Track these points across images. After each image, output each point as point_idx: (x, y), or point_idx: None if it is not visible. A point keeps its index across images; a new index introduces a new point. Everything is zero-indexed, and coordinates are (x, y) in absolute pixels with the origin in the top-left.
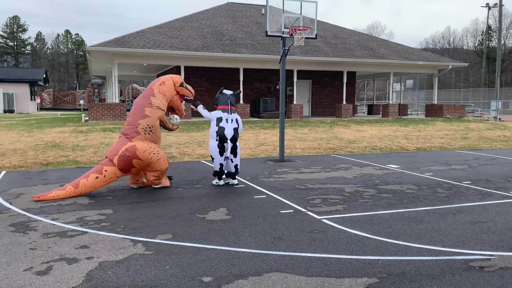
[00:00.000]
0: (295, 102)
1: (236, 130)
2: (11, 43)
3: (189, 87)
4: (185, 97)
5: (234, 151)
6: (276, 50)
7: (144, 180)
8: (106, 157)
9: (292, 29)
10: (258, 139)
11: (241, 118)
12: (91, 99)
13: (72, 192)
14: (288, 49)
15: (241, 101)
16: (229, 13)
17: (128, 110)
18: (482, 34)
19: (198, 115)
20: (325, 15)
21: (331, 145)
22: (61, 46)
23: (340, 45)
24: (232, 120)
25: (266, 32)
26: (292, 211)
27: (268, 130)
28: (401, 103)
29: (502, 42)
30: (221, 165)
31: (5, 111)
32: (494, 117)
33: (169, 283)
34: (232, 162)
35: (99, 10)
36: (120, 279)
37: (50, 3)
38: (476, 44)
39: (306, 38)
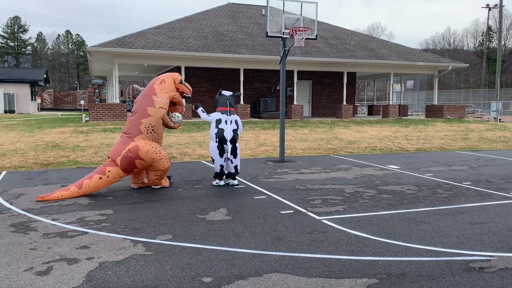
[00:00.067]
0: (295, 102)
1: (235, 131)
2: (11, 44)
3: (187, 84)
4: (184, 94)
5: (234, 152)
6: (276, 50)
7: (145, 181)
8: (108, 158)
9: (292, 29)
10: (258, 140)
11: (242, 119)
12: (92, 99)
13: (75, 192)
14: (288, 50)
15: (242, 102)
16: (229, 13)
17: (129, 111)
18: (482, 35)
19: (199, 115)
20: (325, 16)
21: (331, 145)
22: (62, 47)
23: (341, 46)
24: (231, 121)
25: (267, 32)
26: (292, 211)
27: (268, 130)
28: (401, 103)
29: (503, 43)
30: (222, 166)
31: (5, 112)
32: (494, 118)
33: (169, 283)
34: (232, 163)
35: (100, 10)
36: (120, 280)
37: (50, 3)
38: (477, 45)
39: (306, 38)
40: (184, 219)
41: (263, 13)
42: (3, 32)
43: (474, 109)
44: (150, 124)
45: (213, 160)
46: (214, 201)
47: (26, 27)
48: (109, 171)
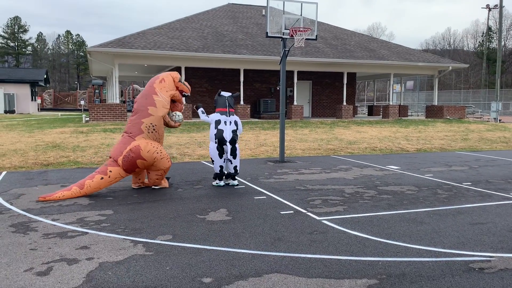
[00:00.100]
0: (295, 103)
1: (235, 132)
2: (12, 44)
3: (185, 83)
4: (183, 93)
5: (233, 153)
6: (276, 51)
7: (146, 181)
8: (110, 157)
9: (292, 30)
10: (258, 140)
11: (242, 119)
12: (92, 99)
13: (77, 192)
14: (288, 50)
15: (242, 102)
16: (229, 14)
17: (129, 111)
18: (482, 36)
19: (199, 116)
20: (325, 16)
21: (331, 146)
22: (62, 47)
23: (341, 46)
24: (230, 122)
25: (267, 33)
26: (292, 212)
27: (268, 131)
28: (402, 104)
29: (503, 43)
30: (221, 167)
31: (5, 112)
32: (494, 118)
33: (169, 284)
34: (231, 163)
35: (100, 10)
36: (120, 280)
37: (51, 3)
38: (477, 45)
39: (306, 39)
40: (184, 220)
41: (263, 13)
42: (3, 32)
43: (474, 109)
44: (151, 124)
45: (212, 161)
46: (214, 202)
47: (26, 27)
48: (110, 171)
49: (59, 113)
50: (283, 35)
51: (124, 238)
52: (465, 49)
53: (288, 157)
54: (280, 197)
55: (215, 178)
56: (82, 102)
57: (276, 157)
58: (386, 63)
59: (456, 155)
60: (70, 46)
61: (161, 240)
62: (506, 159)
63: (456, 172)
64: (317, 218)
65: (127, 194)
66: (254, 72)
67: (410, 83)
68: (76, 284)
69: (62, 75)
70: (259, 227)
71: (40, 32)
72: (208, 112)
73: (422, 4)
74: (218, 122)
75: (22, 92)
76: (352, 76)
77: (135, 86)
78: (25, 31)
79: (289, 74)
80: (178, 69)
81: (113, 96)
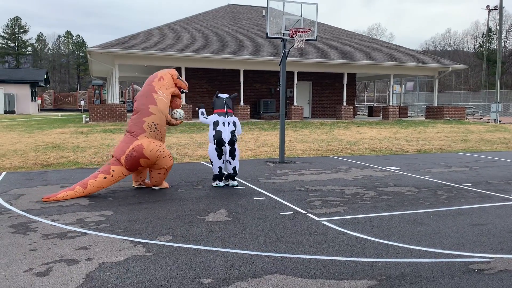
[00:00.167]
0: (295, 103)
1: (233, 133)
2: (12, 44)
3: (183, 79)
4: (181, 89)
5: (232, 154)
6: (276, 51)
7: (147, 181)
8: (112, 156)
9: (292, 31)
10: (258, 141)
11: (242, 120)
12: (92, 100)
13: (80, 192)
14: (288, 51)
15: (242, 103)
16: (229, 14)
17: (129, 111)
18: (482, 36)
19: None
20: (325, 17)
21: (331, 146)
22: (62, 47)
23: (341, 47)
24: (229, 123)
25: (267, 34)
26: (292, 212)
27: (268, 131)
28: (401, 105)
29: (503, 44)
30: (220, 168)
31: (6, 112)
32: (494, 119)
33: (169, 284)
34: (230, 164)
35: (100, 11)
36: (120, 281)
37: (51, 4)
38: (477, 46)
39: (306, 40)
40: (183, 220)
41: (263, 14)
42: (4, 32)
43: (474, 110)
44: (153, 123)
45: (211, 162)
46: (214, 202)
47: (26, 27)
48: (113, 170)
49: (59, 114)
50: (283, 36)
51: (123, 239)
52: (465, 50)
53: (288, 158)
54: (280, 198)
55: (214, 180)
56: (82, 103)
57: (276, 157)
58: (386, 64)
59: (456, 156)
60: (70, 47)
61: (160, 241)
62: (506, 160)
63: (456, 173)
64: (317, 219)
65: (127, 195)
66: (254, 72)
67: (410, 84)
68: (75, 285)
69: (62, 75)
70: (258, 228)
71: (40, 32)
72: (209, 113)
73: (422, 5)
74: (216, 124)
75: (22, 92)
76: (352, 77)
77: (135, 86)
78: (25, 31)
79: (289, 74)
80: (178, 70)
81: (113, 96)
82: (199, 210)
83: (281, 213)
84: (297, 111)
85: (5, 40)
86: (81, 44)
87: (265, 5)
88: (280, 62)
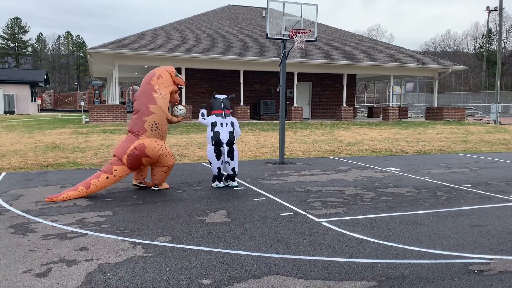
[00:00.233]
0: (295, 104)
1: (231, 133)
2: (12, 45)
3: (180, 75)
4: (179, 86)
5: (231, 155)
6: (276, 52)
7: (148, 181)
8: (114, 156)
9: (292, 31)
10: (258, 141)
11: (241, 120)
12: (92, 100)
13: (83, 192)
14: (288, 52)
15: (241, 103)
16: (229, 15)
17: (129, 112)
18: (482, 37)
19: (199, 117)
20: (325, 18)
21: (331, 147)
22: (62, 48)
23: (341, 48)
24: (227, 124)
25: (267, 34)
26: (291, 213)
27: (268, 132)
28: (401, 106)
29: (502, 45)
30: (219, 169)
31: (5, 112)
32: (494, 120)
33: (168, 285)
34: (229, 165)
35: (100, 11)
36: (119, 281)
37: (51, 4)
38: (476, 47)
39: (306, 40)
40: (183, 221)
41: (263, 15)
42: (4, 33)
43: (474, 111)
44: (154, 122)
45: (210, 163)
46: (214, 203)
47: (26, 28)
48: (115, 170)
49: (59, 114)
50: (283, 36)
51: (123, 240)
52: (465, 51)
53: (288, 159)
54: (279, 198)
55: (214, 180)
56: (82, 103)
57: (276, 158)
58: (386, 65)
59: (456, 157)
60: (70, 47)
61: (160, 242)
62: (506, 161)
63: (456, 174)
64: (317, 219)
65: (126, 195)
66: (254, 73)
67: (410, 85)
68: (75, 286)
69: (62, 76)
70: (258, 228)
71: (40, 33)
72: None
73: (422, 6)
74: (214, 125)
75: (22, 93)
76: (352, 78)
77: (135, 87)
78: (25, 32)
79: (289, 75)
80: (178, 70)
81: (113, 97)
82: (198, 210)
83: (281, 214)
84: (297, 112)
85: (5, 41)
86: (81, 44)
87: (265, 6)
88: (280, 63)
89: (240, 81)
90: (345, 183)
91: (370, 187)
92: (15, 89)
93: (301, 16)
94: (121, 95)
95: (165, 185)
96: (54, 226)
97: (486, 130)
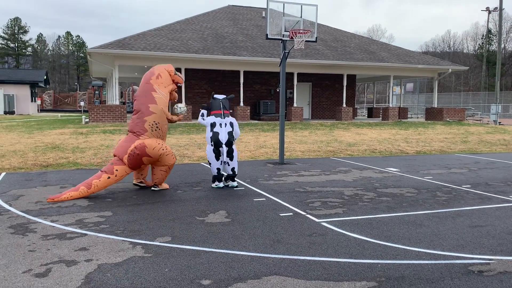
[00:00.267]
0: (295, 104)
1: (230, 133)
2: (12, 45)
3: (178, 73)
4: (178, 84)
5: (230, 155)
6: (276, 53)
7: (148, 181)
8: (114, 155)
9: (292, 32)
10: (258, 142)
11: (241, 121)
12: (92, 100)
13: (85, 192)
14: (288, 52)
15: (241, 104)
16: (229, 15)
17: (129, 112)
18: (482, 38)
19: (199, 117)
20: (325, 18)
21: (331, 148)
22: (62, 48)
23: (340, 48)
24: (226, 124)
25: (267, 35)
26: (291, 214)
27: (268, 132)
28: (401, 106)
29: (502, 46)
30: (218, 169)
31: (5, 113)
32: (494, 120)
33: (168, 286)
34: (228, 165)
35: (100, 12)
36: (119, 282)
37: (51, 4)
38: (476, 47)
39: (306, 41)
40: (183, 221)
41: (263, 15)
42: (4, 33)
43: (473, 112)
44: (154, 122)
45: (209, 163)
46: (213, 203)
47: (26, 28)
48: (116, 170)
49: (59, 114)
50: (283, 37)
51: (123, 240)
52: (465, 51)
53: (288, 159)
54: (279, 199)
55: (214, 181)
56: (82, 103)
57: (276, 159)
58: (386, 65)
59: (456, 158)
60: (70, 47)
61: (160, 242)
62: (506, 162)
63: (456, 175)
64: (316, 220)
65: (126, 196)
66: (254, 73)
67: (410, 85)
68: (74, 286)
69: (62, 76)
70: (258, 229)
71: (40, 33)
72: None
73: (422, 6)
74: (213, 125)
75: (22, 93)
76: (352, 78)
77: (135, 87)
78: (25, 32)
79: (289, 76)
80: (178, 71)
81: (113, 97)
82: (198, 211)
83: (281, 214)
84: (297, 112)
85: (5, 41)
86: (81, 44)
87: (265, 6)
88: (280, 63)
89: (240, 82)
90: (345, 183)
91: (370, 187)
92: (15, 89)
93: (301, 17)
94: (121, 95)
95: (165, 186)
96: (53, 226)
97: (486, 130)
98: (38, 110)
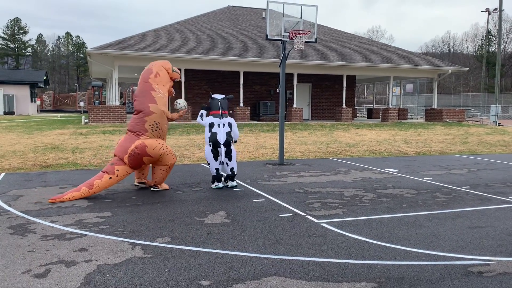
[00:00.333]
0: (295, 105)
1: (229, 134)
2: (12, 45)
3: (175, 69)
4: (175, 80)
5: (228, 155)
6: (276, 53)
7: (149, 180)
8: (115, 155)
9: (292, 33)
10: (257, 142)
11: (241, 121)
12: (91, 101)
13: (86, 193)
14: (288, 53)
15: (241, 104)
16: (229, 16)
17: (129, 112)
18: (482, 39)
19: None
20: (325, 19)
21: (330, 148)
22: (62, 48)
23: (340, 49)
24: (224, 124)
25: (266, 35)
26: (291, 214)
27: (268, 133)
28: (401, 107)
29: (502, 47)
30: (217, 169)
31: (5, 113)
32: (493, 121)
33: (167, 286)
34: (227, 166)
35: (100, 12)
36: (118, 282)
37: (51, 5)
38: (476, 48)
39: (306, 42)
40: (182, 222)
41: (263, 16)
42: (3, 33)
43: (473, 113)
44: (154, 122)
45: (208, 163)
46: (213, 204)
47: (26, 28)
48: (117, 170)
49: (59, 115)
50: (283, 37)
51: (122, 241)
52: (464, 52)
53: (288, 160)
54: (279, 199)
55: (213, 181)
56: (82, 104)
57: (276, 159)
58: (385, 66)
59: (455, 159)
60: (70, 48)
61: (159, 243)
62: (505, 163)
63: (455, 176)
64: (316, 221)
65: (125, 196)
66: (253, 74)
67: (409, 86)
68: (74, 286)
69: (61, 76)
70: (258, 229)
71: (40, 33)
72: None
73: (422, 7)
74: (211, 125)
75: (22, 93)
76: (351, 79)
77: (135, 88)
78: (25, 32)
79: (289, 76)
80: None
81: (113, 97)
82: (198, 211)
83: (280, 215)
84: (296, 113)
85: (4, 41)
86: (80, 45)
87: (265, 7)
88: (280, 64)
89: (240, 82)
90: (344, 184)
91: (370, 188)
92: (14, 90)
93: (301, 17)
94: (121, 95)
95: (165, 186)
96: (53, 227)
97: (486, 131)
98: (37, 110)
